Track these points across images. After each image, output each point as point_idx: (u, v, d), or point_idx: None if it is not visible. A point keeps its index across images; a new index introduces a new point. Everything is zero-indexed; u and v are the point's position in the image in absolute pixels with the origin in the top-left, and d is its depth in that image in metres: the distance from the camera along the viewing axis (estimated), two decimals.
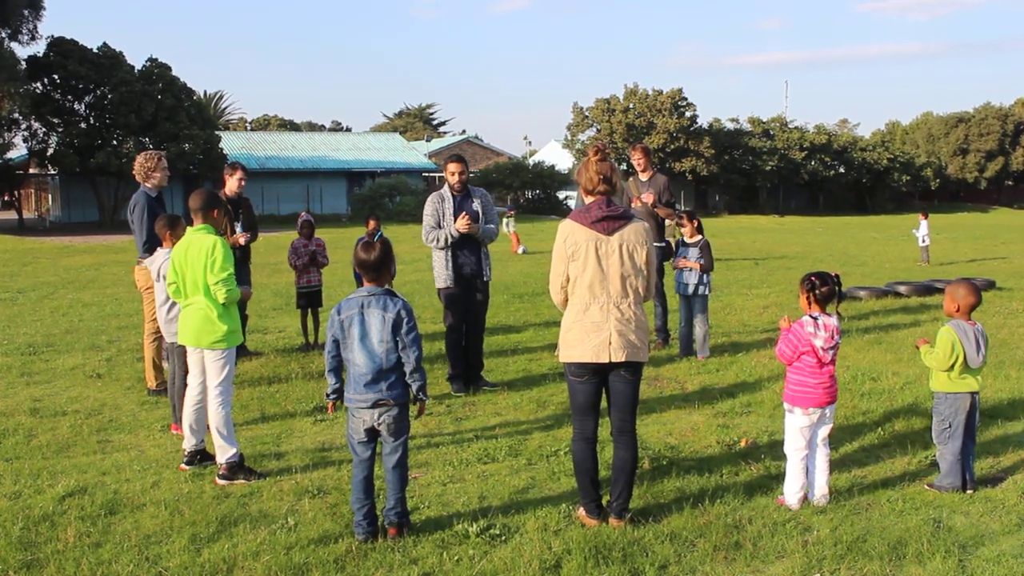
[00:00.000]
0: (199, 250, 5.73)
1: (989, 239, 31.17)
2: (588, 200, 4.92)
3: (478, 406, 7.54)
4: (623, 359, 4.75)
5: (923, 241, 21.36)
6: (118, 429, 6.92)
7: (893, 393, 7.75)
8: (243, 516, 5.06)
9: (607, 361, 4.75)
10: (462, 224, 7.77)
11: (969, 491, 5.36)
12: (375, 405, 4.69)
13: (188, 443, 5.97)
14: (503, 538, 4.73)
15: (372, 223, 10.57)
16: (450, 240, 7.85)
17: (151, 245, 7.72)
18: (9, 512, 5.12)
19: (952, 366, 5.41)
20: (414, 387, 4.76)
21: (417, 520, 4.93)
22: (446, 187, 8.05)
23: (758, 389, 7.93)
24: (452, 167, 7.98)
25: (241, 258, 9.28)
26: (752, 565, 4.44)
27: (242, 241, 9.14)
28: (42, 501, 5.30)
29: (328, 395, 4.91)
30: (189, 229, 5.89)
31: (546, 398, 7.72)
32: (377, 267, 4.76)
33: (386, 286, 4.82)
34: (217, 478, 5.67)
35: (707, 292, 9.42)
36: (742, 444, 6.34)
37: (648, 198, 9.49)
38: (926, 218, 21.74)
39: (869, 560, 4.45)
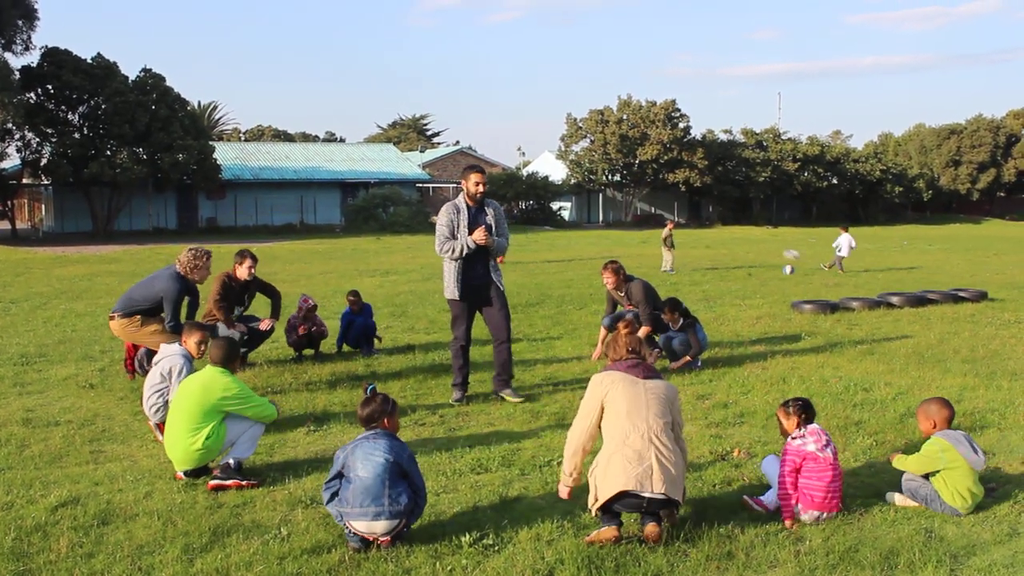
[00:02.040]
0: (218, 385, 5.93)
1: (981, 250, 31.30)
2: None
3: (471, 416, 7.55)
4: (662, 491, 4.64)
5: (839, 251, 21.81)
6: (111, 439, 6.91)
7: (885, 403, 7.78)
8: (236, 526, 5.06)
9: (648, 493, 4.64)
10: (480, 236, 7.69)
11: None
12: (375, 518, 4.65)
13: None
14: (496, 548, 4.73)
15: (352, 298, 10.60)
16: (466, 251, 7.77)
17: (176, 325, 7.86)
18: (1, 522, 5.10)
19: (938, 471, 5.23)
20: (415, 511, 4.80)
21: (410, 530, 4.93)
22: (461, 197, 7.97)
23: (751, 400, 7.95)
24: (476, 177, 7.87)
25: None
26: (744, 575, 4.45)
27: (264, 326, 9.43)
28: (34, 511, 5.28)
29: (348, 533, 4.78)
30: (208, 367, 6.08)
31: (539, 408, 7.72)
32: (375, 418, 4.97)
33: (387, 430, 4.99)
34: (211, 480, 5.73)
35: (698, 366, 9.42)
36: (735, 454, 6.36)
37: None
38: (846, 231, 22.10)
39: (861, 570, 4.46)
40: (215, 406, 5.87)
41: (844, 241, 21.74)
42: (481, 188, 7.89)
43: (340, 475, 4.85)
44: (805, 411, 5.35)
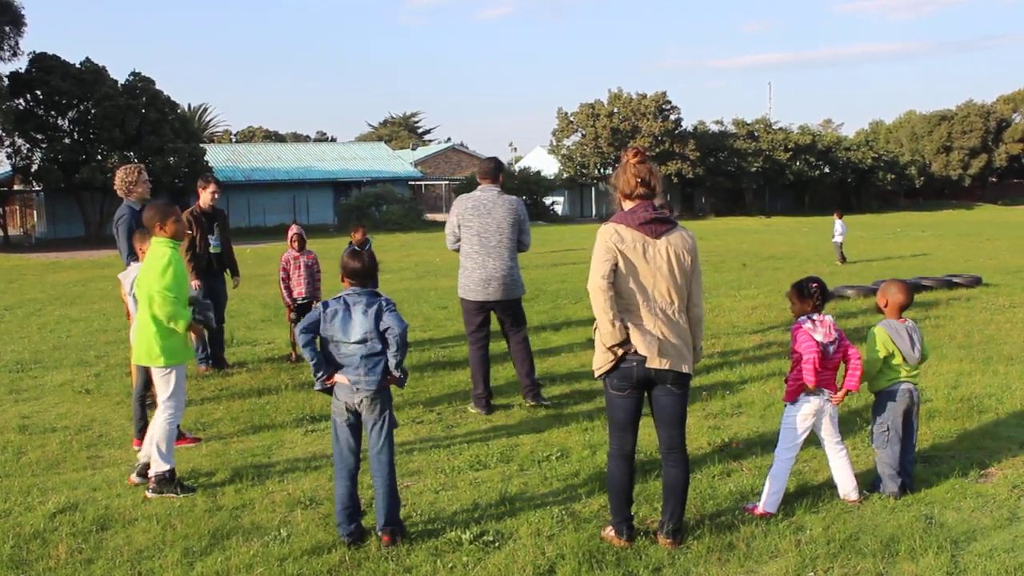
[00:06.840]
0: (153, 261, 5.71)
1: (974, 236, 31.34)
2: (626, 204, 4.72)
3: (469, 413, 7.53)
4: (668, 367, 4.56)
5: (836, 238, 21.84)
6: (108, 444, 6.89)
7: None
8: (235, 529, 5.05)
9: (653, 368, 4.59)
10: None
11: (907, 495, 5.28)
12: (357, 389, 4.75)
13: (144, 455, 5.91)
14: (497, 544, 4.73)
15: (359, 232, 10.56)
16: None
17: (135, 258, 7.72)
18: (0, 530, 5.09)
19: (885, 361, 5.34)
20: (393, 362, 4.76)
21: (410, 528, 4.93)
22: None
23: (748, 390, 7.95)
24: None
25: (217, 270, 9.33)
26: (746, 565, 4.45)
27: (194, 285, 8.87)
28: (33, 518, 5.26)
29: (316, 376, 4.81)
30: (152, 240, 5.83)
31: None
32: (366, 273, 4.90)
33: (370, 288, 4.95)
34: (148, 491, 5.64)
35: None
36: (733, 445, 6.36)
37: None
38: (840, 218, 22.15)
39: (862, 558, 4.46)
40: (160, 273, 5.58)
41: (838, 227, 21.81)
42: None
43: (316, 324, 4.82)
44: (819, 296, 5.23)
